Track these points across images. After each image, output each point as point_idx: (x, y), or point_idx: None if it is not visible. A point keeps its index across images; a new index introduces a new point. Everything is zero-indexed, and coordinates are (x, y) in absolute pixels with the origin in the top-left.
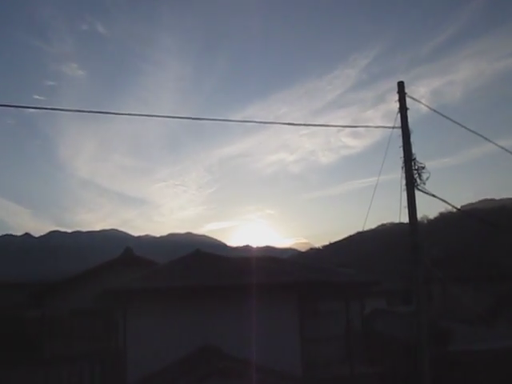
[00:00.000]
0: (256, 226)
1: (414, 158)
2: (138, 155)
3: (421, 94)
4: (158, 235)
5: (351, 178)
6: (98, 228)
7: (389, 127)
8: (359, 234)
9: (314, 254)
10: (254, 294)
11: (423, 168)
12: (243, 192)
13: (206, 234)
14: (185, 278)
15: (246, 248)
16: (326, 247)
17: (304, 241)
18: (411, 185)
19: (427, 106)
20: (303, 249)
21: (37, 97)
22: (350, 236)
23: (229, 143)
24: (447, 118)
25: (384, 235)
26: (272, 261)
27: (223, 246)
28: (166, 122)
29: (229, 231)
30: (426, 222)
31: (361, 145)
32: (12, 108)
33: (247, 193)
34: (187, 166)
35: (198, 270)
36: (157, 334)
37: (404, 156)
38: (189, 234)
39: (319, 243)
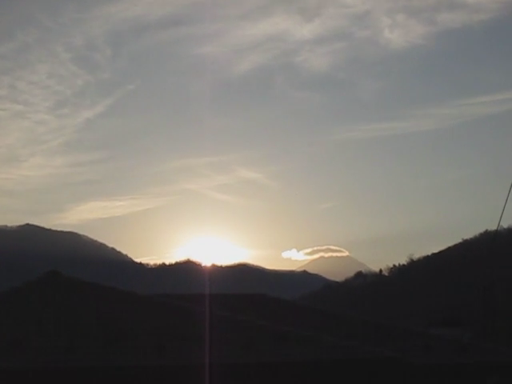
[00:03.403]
0: (213, 212)
1: None
2: None
3: None
4: None
5: (460, 91)
6: None
7: None
8: (487, 237)
9: (368, 287)
10: None
11: None
12: (178, 123)
13: (77, 230)
14: (21, 349)
15: (188, 268)
16: (398, 272)
17: (339, 254)
18: None
19: None
20: (337, 274)
21: None
22: (463, 243)
23: None
24: None
25: None
26: (256, 305)
27: (125, 263)
28: None
29: (139, 223)
30: None
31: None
32: None
33: (189, 126)
34: (24, 50)
35: (59, 323)
36: None
37: None
38: (29, 228)
39: (379, 263)
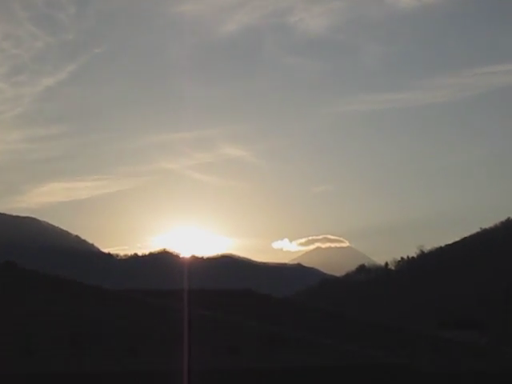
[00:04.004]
0: (193, 195)
1: None
2: None
3: None
4: None
5: (477, 58)
6: None
7: None
8: (509, 226)
9: (372, 283)
10: None
11: None
12: (154, 92)
13: (36, 215)
14: None
15: (163, 260)
16: (406, 265)
17: (339, 244)
18: None
19: None
20: (335, 268)
21: None
22: (481, 232)
23: None
24: None
25: None
26: (242, 302)
27: (91, 253)
28: None
29: (107, 207)
30: None
31: None
32: None
33: (165, 96)
34: None
35: (14, 322)
36: None
37: None
38: None
39: (384, 255)
